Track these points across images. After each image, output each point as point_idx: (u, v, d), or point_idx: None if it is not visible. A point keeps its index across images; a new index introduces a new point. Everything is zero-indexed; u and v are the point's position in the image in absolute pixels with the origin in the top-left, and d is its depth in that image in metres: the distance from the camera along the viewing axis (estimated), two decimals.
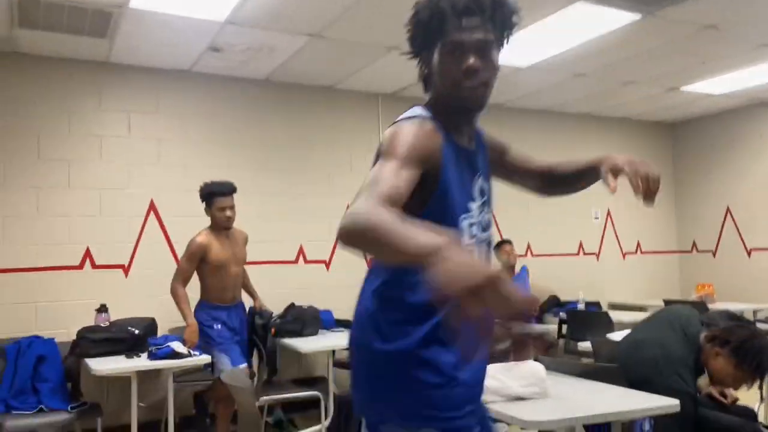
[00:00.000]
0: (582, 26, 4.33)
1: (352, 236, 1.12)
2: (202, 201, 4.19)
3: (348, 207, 1.20)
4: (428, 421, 1.33)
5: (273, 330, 4.31)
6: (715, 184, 7.20)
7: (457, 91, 1.37)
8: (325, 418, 3.96)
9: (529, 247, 6.57)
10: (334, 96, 5.66)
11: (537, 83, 5.67)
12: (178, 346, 3.67)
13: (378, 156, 1.35)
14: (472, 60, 1.33)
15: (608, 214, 7.13)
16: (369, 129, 5.79)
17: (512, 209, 6.41)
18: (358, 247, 1.15)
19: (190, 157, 5.07)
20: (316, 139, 5.56)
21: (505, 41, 1.43)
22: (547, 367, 2.67)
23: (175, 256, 4.85)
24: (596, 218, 7.06)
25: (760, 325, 3.85)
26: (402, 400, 1.36)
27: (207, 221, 4.23)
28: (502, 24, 1.38)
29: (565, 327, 5.71)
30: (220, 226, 4.13)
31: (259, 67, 5.00)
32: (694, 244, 7.42)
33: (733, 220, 7.01)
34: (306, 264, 5.42)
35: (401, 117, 1.42)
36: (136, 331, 3.96)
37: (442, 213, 1.34)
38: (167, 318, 4.50)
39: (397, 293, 1.37)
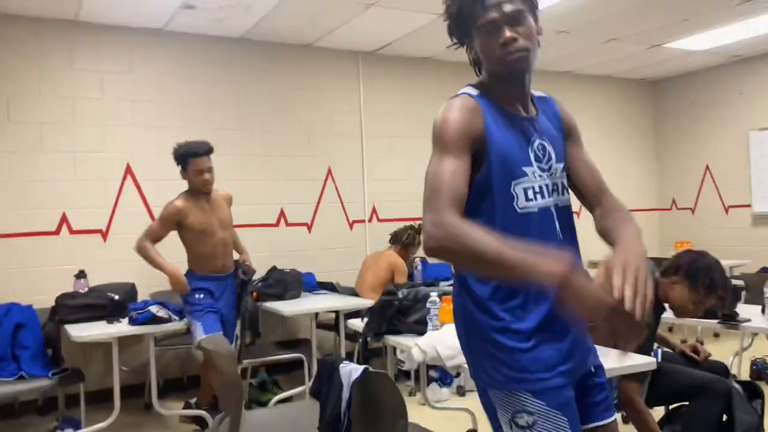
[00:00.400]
0: None
1: (452, 254, 1.31)
2: (177, 164, 3.85)
3: (427, 216, 1.33)
4: (519, 383, 1.41)
5: (255, 294, 4.30)
6: (695, 142, 7.23)
7: (502, 65, 1.44)
8: (309, 380, 3.99)
9: None
10: (312, 54, 5.53)
11: None
12: (158, 310, 3.65)
13: (432, 138, 1.45)
14: (507, 33, 1.41)
15: None
16: (349, 88, 5.70)
17: None
18: (454, 263, 1.42)
19: (166, 118, 4.95)
20: (295, 98, 5.46)
21: (536, 3, 1.50)
22: None
23: (153, 218, 4.78)
24: None
25: (735, 281, 3.91)
26: (494, 366, 1.44)
27: (186, 184, 4.15)
28: None
29: None
30: (199, 190, 3.80)
31: (235, 25, 4.87)
32: (674, 201, 7.49)
33: (712, 177, 7.07)
34: (287, 227, 5.39)
35: (450, 98, 1.50)
36: (116, 297, 3.93)
37: (493, 178, 1.41)
38: (147, 283, 4.48)
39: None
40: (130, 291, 4.23)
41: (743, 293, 4.33)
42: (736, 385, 2.70)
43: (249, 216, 5.16)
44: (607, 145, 7.28)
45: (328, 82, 5.62)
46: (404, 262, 5.02)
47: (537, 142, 1.49)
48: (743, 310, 3.25)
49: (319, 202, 5.53)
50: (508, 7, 1.42)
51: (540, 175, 1.47)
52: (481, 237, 1.26)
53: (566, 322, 1.31)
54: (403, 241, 5.10)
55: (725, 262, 5.93)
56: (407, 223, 5.24)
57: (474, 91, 1.50)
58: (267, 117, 5.34)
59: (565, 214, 1.53)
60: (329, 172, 5.58)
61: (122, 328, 3.63)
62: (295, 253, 5.27)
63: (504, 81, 1.49)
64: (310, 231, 5.48)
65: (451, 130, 1.41)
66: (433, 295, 2.77)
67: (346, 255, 5.54)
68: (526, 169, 1.45)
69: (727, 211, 6.93)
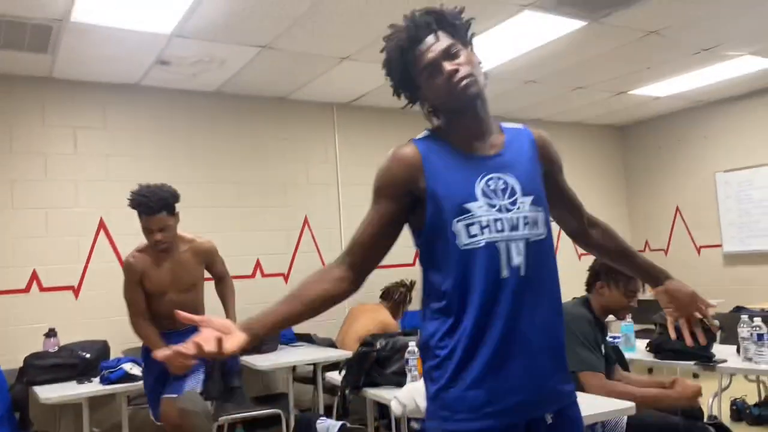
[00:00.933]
0: (530, 34, 4.39)
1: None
2: None
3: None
4: (442, 422, 1.41)
5: None
6: (665, 185, 7.40)
7: (453, 97, 1.46)
8: None
9: None
10: (287, 107, 5.60)
11: (489, 91, 5.70)
12: (131, 368, 3.56)
13: None
14: (448, 66, 1.44)
15: None
16: (324, 139, 5.76)
17: None
18: None
19: (141, 172, 4.91)
20: (270, 150, 5.50)
21: (469, 39, 1.53)
22: None
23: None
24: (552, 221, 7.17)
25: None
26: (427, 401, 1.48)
27: None
28: (454, 28, 1.49)
29: None
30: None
31: (209, 79, 4.92)
32: (647, 243, 7.60)
33: (683, 219, 7.21)
34: (264, 278, 5.34)
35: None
36: (87, 355, 3.84)
37: (435, 219, 1.44)
38: (120, 339, 4.37)
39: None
40: (102, 348, 4.13)
41: (719, 333, 4.36)
42: (711, 429, 2.69)
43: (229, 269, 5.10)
44: (579, 190, 7.37)
45: (303, 133, 5.68)
46: (394, 320, 4.94)
47: (488, 177, 1.46)
48: (719, 350, 3.27)
49: (295, 252, 5.51)
50: (440, 45, 1.46)
51: (490, 210, 1.42)
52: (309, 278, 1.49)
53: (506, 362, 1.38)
54: (395, 299, 5.04)
55: None
56: (398, 279, 5.14)
57: (421, 135, 1.54)
58: (242, 169, 5.36)
59: (535, 248, 1.44)
60: (305, 221, 5.58)
61: (93, 387, 3.54)
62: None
63: (460, 116, 1.49)
64: (287, 281, 5.44)
65: (380, 179, 1.49)
66: (412, 345, 2.74)
67: None
68: (470, 206, 1.42)
69: (699, 251, 7.05)
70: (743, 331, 3.01)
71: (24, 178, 4.55)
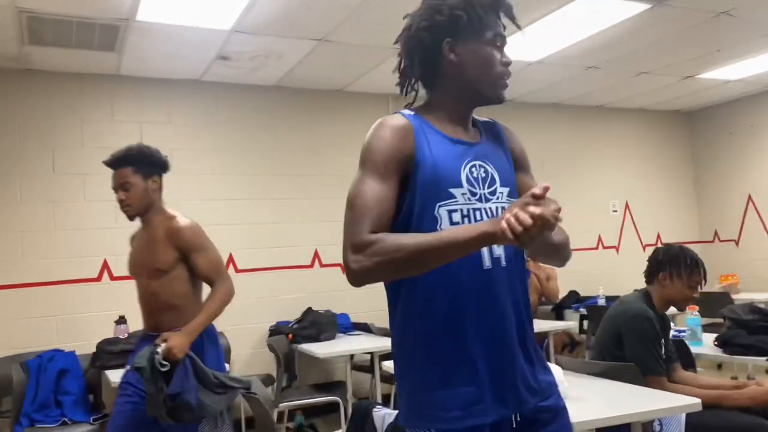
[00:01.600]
0: (591, 18, 4.26)
1: (383, 267, 1.26)
2: None
3: (345, 238, 1.30)
4: (424, 422, 1.34)
5: (290, 335, 4.31)
6: (736, 172, 7.07)
7: (495, 83, 1.42)
8: (345, 423, 3.95)
9: None
10: (343, 99, 5.65)
11: (549, 77, 5.61)
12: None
13: (360, 157, 1.40)
14: (507, 59, 1.43)
15: (626, 206, 7.03)
16: None
17: None
18: (389, 274, 1.33)
19: (204, 165, 5.09)
20: (327, 142, 5.56)
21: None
22: (566, 368, 2.64)
23: None
24: (614, 211, 6.97)
25: None
26: (404, 401, 1.40)
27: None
28: (502, 23, 1.46)
29: (586, 323, 5.65)
30: None
31: (268, 73, 5.01)
32: (716, 233, 7.29)
33: (755, 208, 6.87)
34: (322, 268, 5.42)
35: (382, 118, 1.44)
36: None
37: (419, 199, 1.35)
38: None
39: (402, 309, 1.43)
40: None
41: None
42: None
43: (284, 258, 5.23)
44: (645, 179, 7.18)
45: (359, 125, 5.66)
46: None
47: (472, 164, 1.41)
48: None
49: (355, 279, 5.53)
50: (504, 38, 1.44)
51: (471, 199, 1.37)
52: (405, 236, 1.27)
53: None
54: None
55: None
56: None
57: (408, 112, 1.45)
58: (301, 161, 5.45)
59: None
60: None
61: None
62: (330, 294, 5.28)
63: (467, 98, 1.45)
64: (344, 271, 5.48)
65: (379, 151, 1.36)
66: None
67: (380, 295, 5.49)
68: (454, 191, 1.36)
69: None
70: None
71: (95, 171, 4.75)
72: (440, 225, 1.34)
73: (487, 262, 1.37)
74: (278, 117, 5.41)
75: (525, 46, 4.68)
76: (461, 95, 1.44)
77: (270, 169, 5.32)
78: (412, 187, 1.35)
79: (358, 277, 1.28)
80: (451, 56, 1.41)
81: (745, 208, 6.98)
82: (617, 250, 6.94)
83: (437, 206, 1.35)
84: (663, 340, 2.69)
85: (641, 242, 7.12)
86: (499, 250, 1.38)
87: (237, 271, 5.06)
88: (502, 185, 1.44)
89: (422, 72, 1.45)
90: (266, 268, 5.16)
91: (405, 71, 1.48)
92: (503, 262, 1.39)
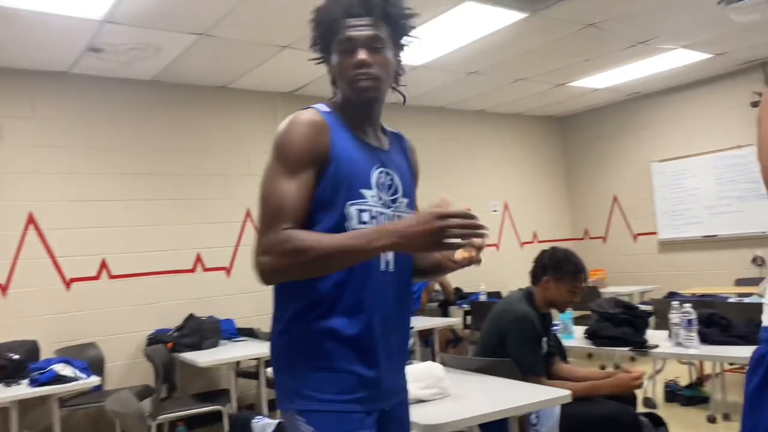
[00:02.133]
0: (472, 25, 4.41)
1: (292, 267, 1.28)
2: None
3: (258, 237, 1.31)
4: (307, 401, 1.36)
5: (169, 344, 4.11)
6: (603, 174, 7.61)
7: (351, 89, 1.43)
8: None
9: None
10: (227, 96, 5.47)
11: (432, 81, 5.75)
12: (62, 368, 3.42)
13: (270, 153, 1.39)
14: (362, 54, 1.40)
15: (506, 206, 7.36)
16: (267, 129, 5.65)
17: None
18: (298, 274, 1.31)
19: (73, 163, 4.73)
20: (210, 140, 5.36)
21: (403, 41, 1.53)
22: (448, 365, 2.71)
23: (60, 271, 4.54)
24: (495, 211, 7.28)
25: (644, 307, 4.08)
26: (290, 382, 1.41)
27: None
28: (395, 24, 1.47)
29: (469, 318, 5.85)
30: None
31: (145, 67, 4.75)
32: (586, 231, 7.81)
33: (620, 207, 7.43)
34: (204, 272, 5.21)
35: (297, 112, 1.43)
36: (15, 356, 3.66)
37: (330, 196, 1.37)
38: (51, 339, 4.21)
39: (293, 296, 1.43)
40: (31, 349, 3.95)
41: (652, 319, 4.52)
42: (643, 418, 2.78)
43: (163, 262, 4.97)
44: (522, 180, 7.55)
45: (244, 122, 5.56)
46: None
47: (381, 170, 1.46)
48: (652, 335, 3.38)
49: (237, 246, 5.40)
50: (368, 31, 1.41)
51: (378, 202, 1.42)
52: (314, 238, 1.28)
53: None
54: None
55: (635, 288, 6.26)
56: None
57: (324, 108, 1.46)
58: (181, 160, 5.21)
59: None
60: (248, 215, 5.47)
61: (22, 390, 3.37)
62: (213, 300, 5.10)
63: (355, 105, 1.47)
64: (229, 275, 5.33)
65: (295, 146, 1.36)
66: None
67: (267, 299, 5.39)
68: (365, 192, 1.40)
69: (635, 239, 7.28)
70: (674, 317, 3.11)
71: None
72: (349, 223, 1.37)
73: (382, 266, 1.42)
74: (156, 113, 5.14)
75: (409, 49, 4.75)
76: (347, 100, 1.47)
77: (148, 169, 5.04)
78: (324, 183, 1.37)
79: (266, 277, 1.30)
80: (329, 69, 1.49)
81: (611, 208, 7.53)
82: (497, 247, 7.24)
83: (348, 204, 1.37)
84: (545, 338, 2.83)
85: (519, 240, 7.48)
86: (389, 255, 1.43)
87: (111, 277, 4.76)
88: (403, 195, 1.50)
89: (333, 82, 1.51)
90: (143, 273, 4.89)
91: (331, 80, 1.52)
92: (391, 266, 1.45)
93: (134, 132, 5.02)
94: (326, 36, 1.45)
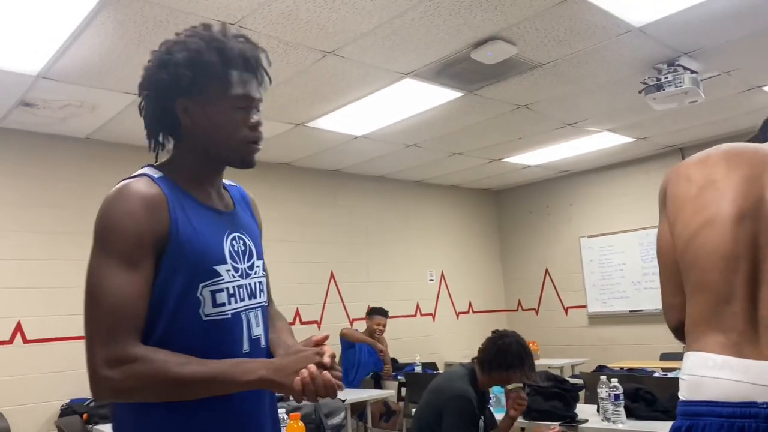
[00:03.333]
0: (411, 101, 4.56)
1: (142, 391, 1.11)
2: None
3: (93, 346, 1.11)
4: None
5: (84, 415, 3.85)
6: (535, 247, 7.83)
7: (241, 148, 1.27)
8: None
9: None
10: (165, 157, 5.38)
11: (372, 151, 5.86)
12: None
13: (94, 235, 1.18)
14: (257, 116, 1.29)
15: (442, 275, 7.43)
16: None
17: (352, 272, 6.47)
18: (146, 399, 1.14)
19: None
20: None
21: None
22: None
23: None
24: (431, 280, 7.33)
25: (574, 380, 4.12)
26: None
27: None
28: (264, 87, 1.32)
29: (404, 390, 5.75)
30: None
31: (79, 124, 4.65)
32: (519, 302, 7.95)
33: (552, 280, 7.63)
34: None
35: (121, 181, 1.23)
36: None
37: (176, 281, 1.17)
38: None
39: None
40: None
41: (583, 393, 4.56)
42: None
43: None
44: (457, 251, 7.67)
45: None
46: None
47: (233, 235, 1.29)
48: (582, 410, 3.41)
49: (107, 394, 5.17)
50: (258, 92, 1.29)
51: (234, 275, 1.26)
52: (170, 361, 1.11)
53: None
54: None
55: (566, 361, 6.35)
56: None
57: (156, 173, 1.25)
58: None
59: (266, 316, 1.36)
60: None
61: None
62: None
63: (211, 163, 1.29)
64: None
65: (126, 231, 1.14)
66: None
67: None
68: (219, 268, 1.23)
69: (566, 311, 7.45)
70: (602, 391, 3.15)
71: None
72: (203, 308, 1.19)
73: (246, 345, 1.26)
74: (89, 171, 4.99)
75: (352, 120, 4.86)
76: (204, 158, 1.28)
77: (76, 228, 4.85)
78: (167, 268, 1.17)
79: (109, 396, 1.12)
80: (185, 118, 1.26)
81: (543, 281, 7.71)
82: (434, 317, 7.25)
83: (201, 287, 1.20)
84: (482, 417, 2.82)
85: (455, 310, 7.52)
86: (258, 330, 1.30)
87: (25, 341, 4.47)
88: (258, 258, 1.35)
89: (162, 130, 1.30)
90: (62, 338, 4.62)
91: (147, 126, 1.31)
92: (263, 342, 1.31)
93: (64, 190, 4.85)
94: (203, 81, 1.23)
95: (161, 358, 1.11)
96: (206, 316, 1.20)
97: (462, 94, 4.49)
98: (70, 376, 4.58)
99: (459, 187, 7.84)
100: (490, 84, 4.32)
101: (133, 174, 1.25)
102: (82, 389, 4.52)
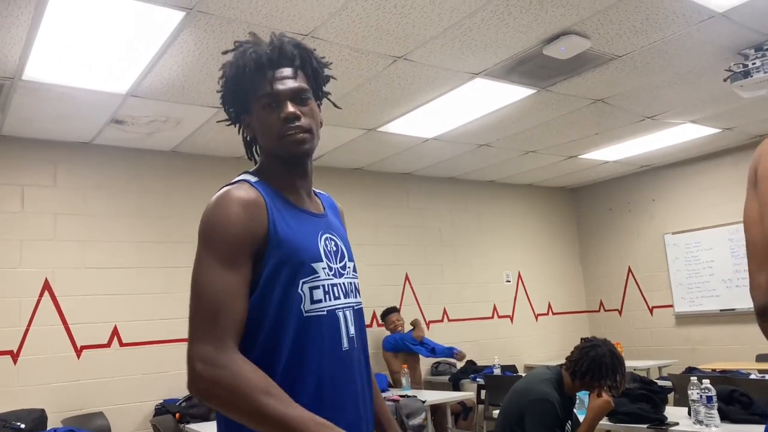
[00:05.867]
0: (483, 100, 4.53)
1: (223, 405, 1.13)
2: None
3: (193, 341, 1.16)
4: None
5: (177, 414, 4.05)
6: (617, 246, 7.58)
7: (281, 143, 1.31)
8: None
9: (445, 312, 6.60)
10: (245, 166, 5.56)
11: (444, 153, 5.85)
12: None
13: (199, 237, 1.26)
14: (290, 107, 1.30)
15: (519, 276, 7.31)
16: None
17: (427, 275, 6.48)
18: (223, 412, 1.15)
19: (90, 231, 4.81)
20: None
21: (321, 93, 1.43)
22: None
23: (71, 338, 4.54)
24: (508, 281, 7.23)
25: (662, 383, 3.97)
26: None
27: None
28: (314, 74, 1.38)
29: (483, 392, 5.71)
30: None
31: (165, 138, 4.90)
32: (602, 303, 7.71)
33: (635, 279, 7.36)
34: None
35: (222, 187, 1.31)
36: (22, 425, 3.62)
37: (277, 278, 1.23)
38: (59, 408, 4.16)
39: None
40: (38, 418, 3.90)
41: (671, 395, 4.38)
42: None
43: (176, 330, 4.96)
44: (535, 251, 7.53)
45: None
46: None
47: (326, 236, 1.34)
48: (671, 412, 3.28)
49: (194, 390, 5.35)
50: (292, 83, 1.32)
51: (330, 274, 1.30)
52: (258, 388, 1.10)
53: None
54: None
55: (652, 363, 6.11)
56: None
57: (253, 178, 1.32)
58: (195, 229, 5.25)
59: (360, 317, 1.38)
60: None
61: None
62: None
63: (284, 165, 1.35)
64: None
65: (230, 232, 1.20)
66: None
67: None
68: (316, 266, 1.27)
69: (651, 311, 7.17)
70: (693, 393, 3.03)
71: None
72: (303, 304, 1.24)
73: (345, 343, 1.29)
74: (174, 183, 5.25)
75: (422, 123, 4.88)
76: (278, 162, 1.35)
77: (163, 237, 5.11)
78: (270, 266, 1.22)
79: (194, 392, 1.15)
80: (248, 131, 1.39)
81: (626, 280, 7.45)
82: (511, 319, 7.15)
83: (301, 283, 1.25)
84: (569, 422, 2.77)
85: (534, 312, 7.38)
86: (353, 330, 1.32)
87: (122, 344, 4.74)
88: (349, 260, 1.40)
89: (250, 144, 1.43)
90: (155, 341, 4.88)
91: (245, 144, 1.44)
92: (356, 342, 1.33)
93: (151, 201, 5.12)
94: (240, 93, 1.34)
95: (249, 377, 1.12)
96: (306, 312, 1.24)
97: (535, 91, 4.42)
98: (163, 377, 4.83)
99: (534, 186, 7.70)
100: (564, 79, 4.24)
101: (233, 180, 1.33)
102: (175, 390, 4.76)
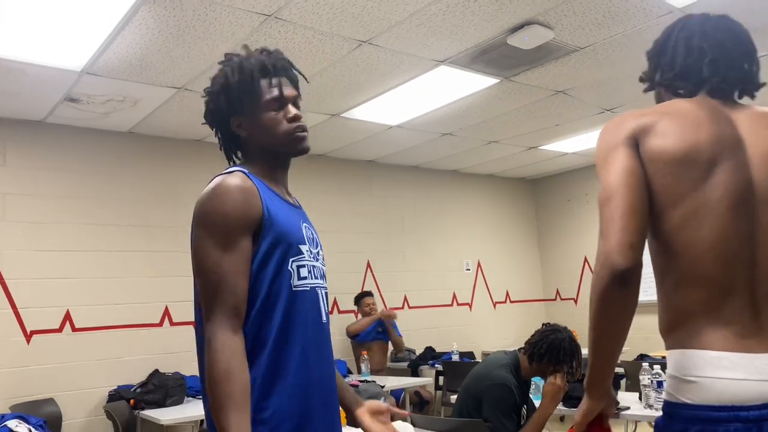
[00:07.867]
0: (446, 89, 4.53)
1: (207, 363, 1.28)
2: None
3: (206, 313, 1.31)
4: None
5: (132, 400, 3.97)
6: (574, 236, 7.73)
7: (289, 140, 1.49)
8: None
9: (405, 299, 6.63)
10: (204, 149, 5.48)
11: (407, 141, 5.86)
12: (16, 425, 3.27)
13: (197, 222, 1.38)
14: (294, 110, 1.50)
15: (479, 265, 7.40)
16: None
17: (388, 262, 6.50)
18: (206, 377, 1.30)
19: (43, 212, 4.66)
20: (184, 193, 5.33)
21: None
22: (418, 425, 2.66)
23: (21, 322, 4.40)
24: (468, 269, 7.31)
25: (615, 369, 4.08)
26: None
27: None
28: (296, 84, 1.56)
29: (441, 378, 5.77)
30: None
31: (121, 118, 4.77)
32: (558, 292, 7.86)
33: (591, 269, 7.52)
34: (172, 326, 5.09)
35: (216, 176, 1.42)
36: None
37: (272, 256, 1.38)
38: (7, 394, 4.04)
39: None
40: None
41: (623, 381, 4.51)
42: None
43: (131, 316, 4.86)
44: (495, 240, 7.62)
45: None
46: None
47: (305, 225, 1.51)
48: (623, 397, 3.37)
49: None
50: (292, 90, 1.52)
51: (310, 257, 1.46)
52: (236, 392, 1.25)
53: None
54: None
55: None
56: None
57: (245, 169, 1.45)
58: (154, 212, 5.16)
59: (326, 301, 1.54)
60: None
61: None
62: (180, 355, 4.97)
63: (275, 160, 1.52)
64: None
65: (230, 216, 1.34)
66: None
67: None
68: (302, 247, 1.44)
69: None
70: (644, 378, 3.12)
71: None
72: (292, 279, 1.39)
73: (324, 317, 1.47)
74: (130, 165, 5.12)
75: (386, 110, 4.87)
76: (269, 156, 1.51)
77: (119, 220, 4.98)
78: (265, 245, 1.37)
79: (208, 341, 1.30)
80: (241, 132, 1.51)
81: (582, 270, 7.61)
82: (470, 307, 7.24)
83: (291, 261, 1.40)
84: (525, 406, 2.81)
85: (492, 300, 7.49)
86: (324, 307, 1.49)
87: (74, 329, 4.62)
88: (321, 249, 1.57)
89: (232, 147, 1.56)
90: (109, 326, 4.77)
91: (223, 147, 1.57)
92: (324, 318, 1.49)
93: (107, 183, 4.98)
94: (242, 96, 1.48)
95: (233, 381, 1.25)
96: (294, 287, 1.40)
97: (498, 81, 4.45)
98: (118, 363, 4.73)
99: (495, 176, 7.78)
100: (526, 70, 4.28)
101: (226, 170, 1.45)
102: (130, 376, 4.67)
